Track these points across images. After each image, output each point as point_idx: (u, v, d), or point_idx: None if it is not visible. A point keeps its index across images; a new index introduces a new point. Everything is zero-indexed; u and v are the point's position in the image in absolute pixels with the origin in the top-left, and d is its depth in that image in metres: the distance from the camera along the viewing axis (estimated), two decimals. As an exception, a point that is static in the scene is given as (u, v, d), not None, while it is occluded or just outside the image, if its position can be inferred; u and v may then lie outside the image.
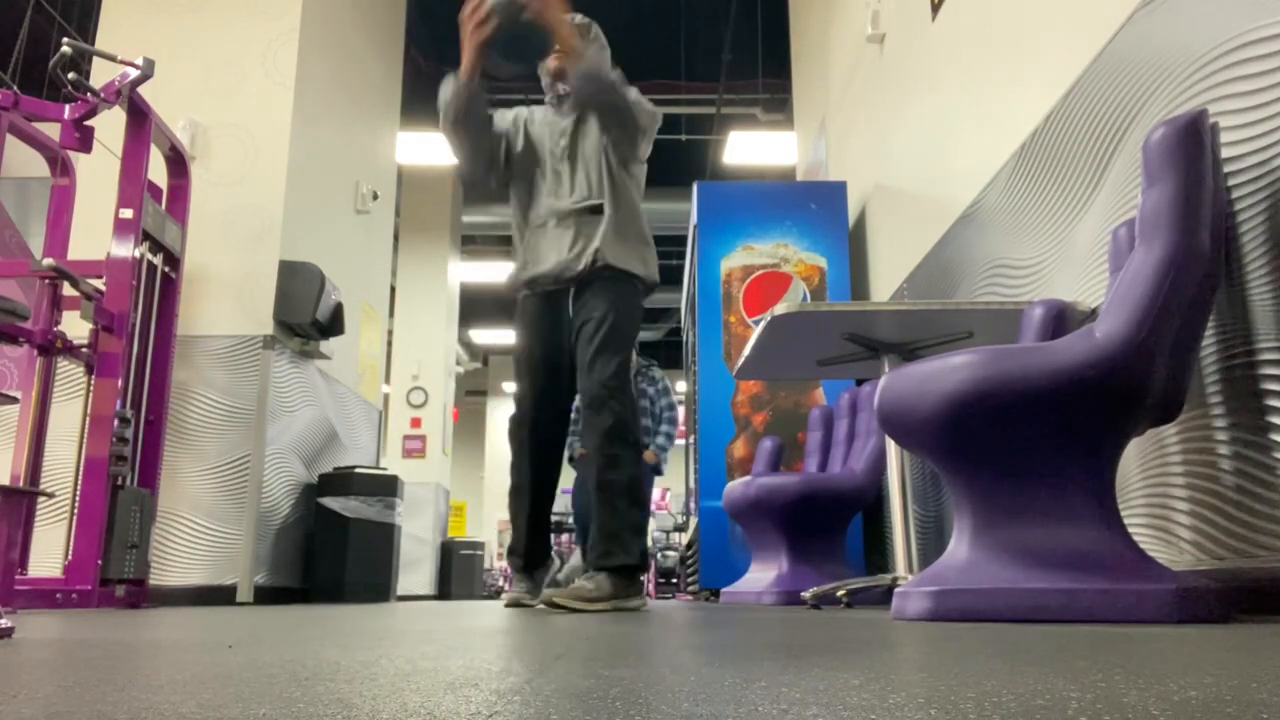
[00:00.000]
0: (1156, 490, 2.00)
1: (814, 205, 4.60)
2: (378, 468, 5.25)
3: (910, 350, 2.81)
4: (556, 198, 2.93)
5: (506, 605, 2.92)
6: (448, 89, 2.84)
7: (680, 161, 11.36)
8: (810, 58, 6.17)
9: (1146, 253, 1.67)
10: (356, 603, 4.65)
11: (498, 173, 3.03)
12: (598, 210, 2.85)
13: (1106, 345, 1.64)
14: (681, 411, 6.05)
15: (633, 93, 2.82)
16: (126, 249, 3.47)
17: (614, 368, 2.71)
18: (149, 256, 3.78)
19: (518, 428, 2.92)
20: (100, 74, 4.86)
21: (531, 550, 2.90)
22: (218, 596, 4.25)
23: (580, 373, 2.78)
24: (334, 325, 4.91)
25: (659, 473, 5.56)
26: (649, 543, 12.26)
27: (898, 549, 2.72)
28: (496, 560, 16.94)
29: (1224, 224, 1.79)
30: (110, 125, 4.67)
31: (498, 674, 0.75)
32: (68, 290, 3.49)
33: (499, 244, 13.44)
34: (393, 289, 10.21)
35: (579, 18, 3.01)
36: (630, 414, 2.72)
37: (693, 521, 5.60)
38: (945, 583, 1.69)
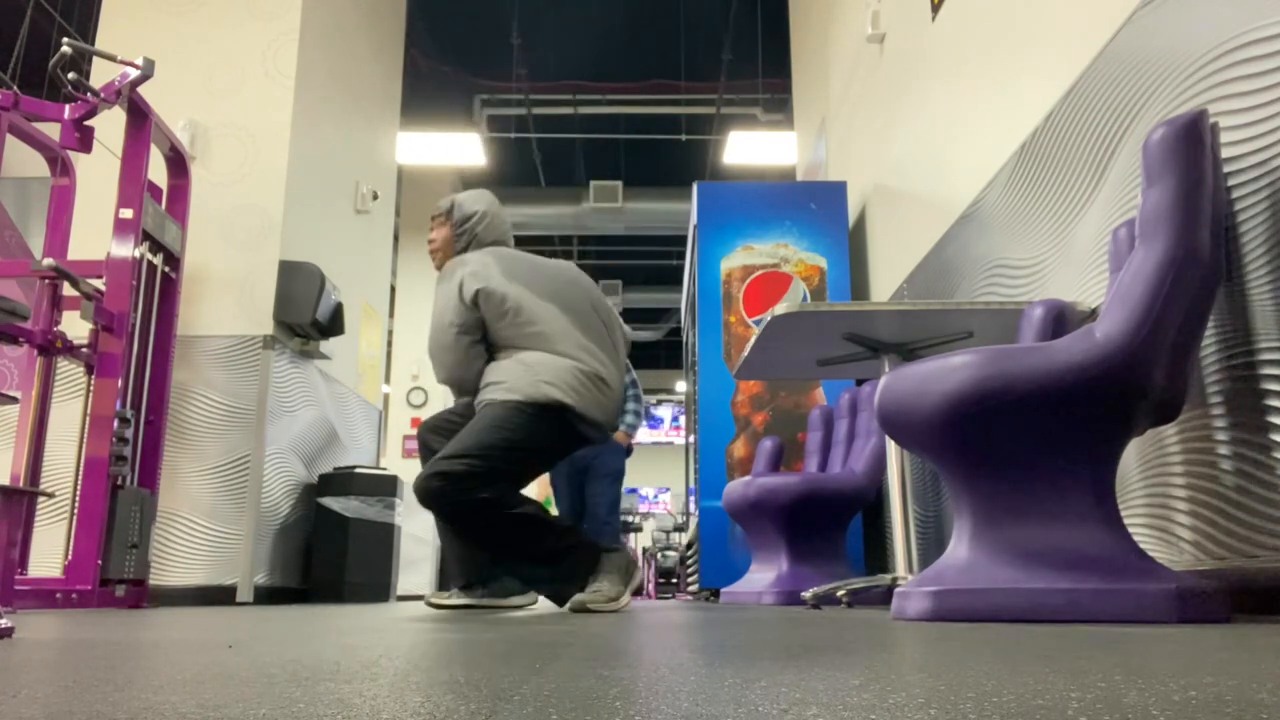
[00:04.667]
0: (1156, 490, 2.00)
1: (814, 205, 4.60)
2: (378, 468, 5.25)
3: (910, 350, 2.81)
4: None
5: (428, 604, 2.93)
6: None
7: (680, 161, 11.36)
8: (810, 58, 6.18)
9: (1146, 253, 1.67)
10: (356, 603, 4.65)
11: None
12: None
13: (1106, 345, 1.64)
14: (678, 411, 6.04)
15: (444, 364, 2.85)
16: (126, 249, 3.47)
17: (451, 450, 2.66)
18: (149, 256, 3.78)
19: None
20: (100, 74, 4.86)
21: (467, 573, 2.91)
22: (218, 596, 4.25)
23: None
24: (334, 325, 4.91)
25: (629, 452, 5.54)
26: (649, 542, 12.23)
27: (898, 549, 2.72)
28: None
29: (1224, 224, 1.79)
30: (110, 125, 4.67)
31: (498, 674, 0.75)
32: (68, 290, 3.49)
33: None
34: (393, 289, 10.22)
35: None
36: (445, 492, 2.62)
37: (693, 521, 5.60)
38: (945, 583, 1.69)
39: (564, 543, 2.65)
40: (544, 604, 4.24)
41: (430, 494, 2.62)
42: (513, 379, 2.74)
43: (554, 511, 11.00)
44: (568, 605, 2.66)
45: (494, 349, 2.85)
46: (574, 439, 2.81)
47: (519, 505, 2.63)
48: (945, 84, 3.47)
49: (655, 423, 20.65)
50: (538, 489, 10.54)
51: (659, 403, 20.30)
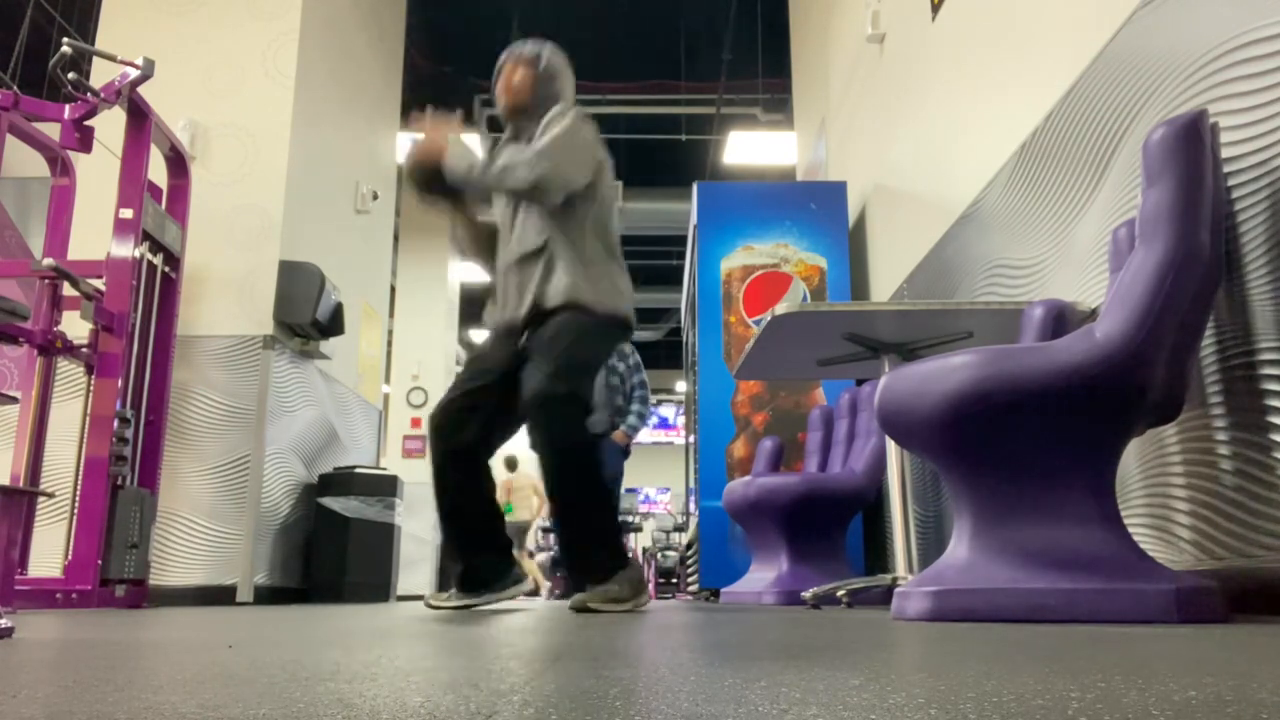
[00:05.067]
0: (1156, 490, 2.00)
1: (814, 205, 4.60)
2: (378, 468, 5.25)
3: (910, 350, 2.81)
4: (507, 246, 2.88)
5: (427, 605, 2.85)
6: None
7: (680, 161, 11.36)
8: (810, 58, 6.18)
9: (1146, 253, 1.67)
10: (356, 603, 4.65)
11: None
12: (538, 255, 2.78)
13: (1106, 345, 1.64)
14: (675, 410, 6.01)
15: (494, 171, 2.66)
16: (126, 249, 3.47)
17: (555, 368, 2.60)
18: (149, 256, 3.78)
19: (430, 434, 2.81)
20: (100, 74, 4.86)
21: (470, 569, 2.79)
22: (218, 596, 4.25)
23: (524, 384, 2.68)
24: (334, 325, 4.91)
25: (627, 454, 5.50)
26: (649, 542, 12.23)
27: (898, 549, 2.72)
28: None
29: (1224, 224, 1.79)
30: (110, 125, 4.67)
31: (498, 674, 0.75)
32: (68, 290, 3.49)
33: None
34: (393, 289, 10.21)
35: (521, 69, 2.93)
36: (571, 423, 2.61)
37: (693, 521, 5.60)
38: (945, 583, 1.69)
39: (615, 533, 2.69)
40: (544, 604, 4.24)
41: (557, 415, 2.58)
42: (603, 290, 2.76)
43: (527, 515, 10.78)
44: (570, 604, 2.66)
45: (570, 221, 2.77)
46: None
47: (604, 478, 2.70)
48: (945, 84, 3.47)
49: (662, 423, 20.65)
50: (503, 494, 10.38)
51: (659, 403, 20.31)
